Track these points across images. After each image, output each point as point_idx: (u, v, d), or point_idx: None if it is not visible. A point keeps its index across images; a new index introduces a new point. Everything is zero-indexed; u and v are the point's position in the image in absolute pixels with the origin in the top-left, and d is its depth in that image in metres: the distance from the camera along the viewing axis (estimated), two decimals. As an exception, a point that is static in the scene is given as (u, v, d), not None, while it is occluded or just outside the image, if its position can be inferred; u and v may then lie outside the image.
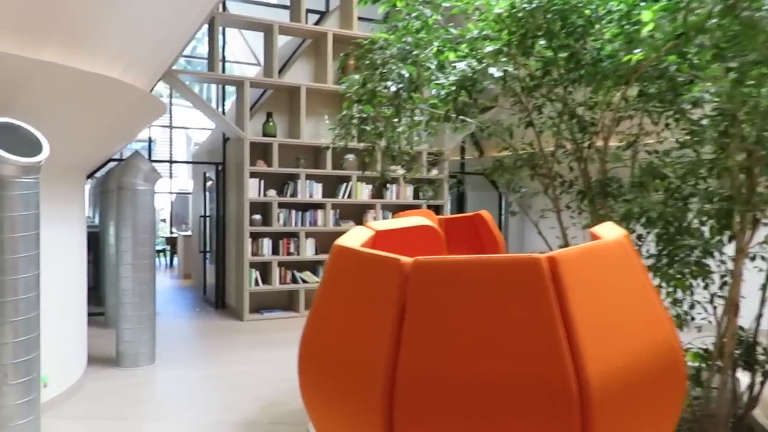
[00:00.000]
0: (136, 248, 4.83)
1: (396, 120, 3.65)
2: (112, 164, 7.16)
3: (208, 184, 8.35)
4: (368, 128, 3.49)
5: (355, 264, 1.59)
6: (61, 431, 3.61)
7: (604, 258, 1.52)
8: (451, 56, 3.13)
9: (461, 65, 2.66)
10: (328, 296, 1.72)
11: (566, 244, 3.51)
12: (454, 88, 2.67)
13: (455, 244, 5.63)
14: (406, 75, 2.74)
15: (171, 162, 9.83)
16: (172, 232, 13.39)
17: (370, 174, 5.58)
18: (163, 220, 14.24)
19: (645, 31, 2.41)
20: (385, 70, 2.80)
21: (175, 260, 12.14)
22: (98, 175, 8.47)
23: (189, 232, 10.69)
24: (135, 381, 4.59)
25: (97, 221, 8.84)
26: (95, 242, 7.31)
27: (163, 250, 12.79)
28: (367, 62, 2.96)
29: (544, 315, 1.33)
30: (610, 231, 1.74)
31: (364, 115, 3.46)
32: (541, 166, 3.57)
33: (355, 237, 1.84)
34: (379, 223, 2.12)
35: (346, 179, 7.42)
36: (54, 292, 3.93)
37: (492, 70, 2.55)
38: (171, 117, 13.06)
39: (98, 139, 4.20)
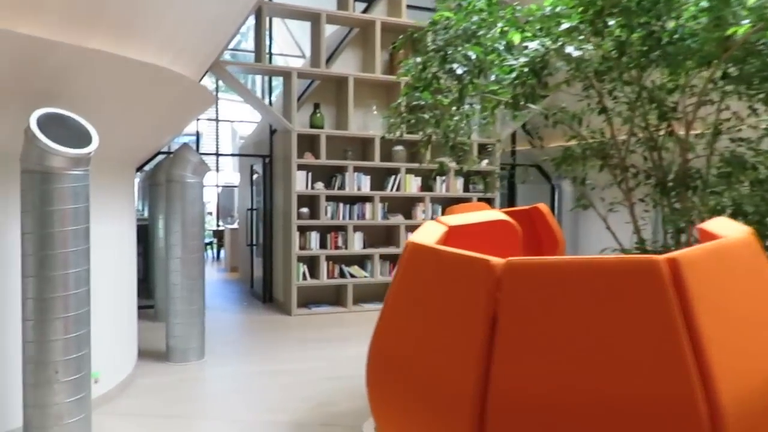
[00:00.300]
0: (186, 242, 4.76)
1: (455, 108, 3.44)
2: (160, 157, 7.15)
3: (255, 177, 8.29)
4: (426, 116, 3.29)
5: (435, 264, 1.41)
6: (113, 428, 3.55)
7: (731, 259, 1.29)
8: (516, 37, 2.90)
9: (533, 44, 2.43)
10: (402, 299, 1.54)
11: (641, 241, 3.25)
12: (526, 69, 2.45)
13: (511, 239, 5.39)
14: (473, 56, 2.52)
15: (217, 155, 9.80)
16: (218, 225, 13.47)
17: (426, 166, 5.36)
18: (210, 213, 14.35)
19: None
20: (449, 51, 2.59)
21: (222, 253, 12.19)
22: (147, 168, 8.51)
23: (236, 225, 10.70)
24: (185, 377, 4.52)
25: (146, 214, 8.89)
26: (144, 235, 7.33)
27: (210, 243, 12.87)
28: (429, 43, 2.76)
29: (665, 326, 1.12)
30: (728, 228, 1.50)
31: (422, 103, 3.26)
32: (612, 156, 3.31)
33: (428, 233, 1.65)
34: (450, 217, 1.93)
35: (395, 171, 7.23)
36: (104, 286, 3.87)
37: (569, 49, 2.32)
38: (217, 110, 13.13)
39: (147, 131, 4.12)
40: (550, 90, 2.85)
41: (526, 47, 2.49)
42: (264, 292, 7.65)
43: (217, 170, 13.72)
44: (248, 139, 9.55)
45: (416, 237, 1.56)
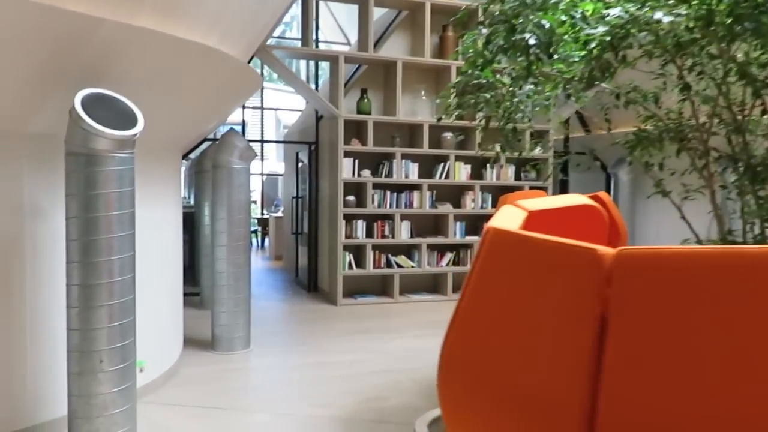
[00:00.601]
0: (231, 229, 4.65)
1: (518, 88, 3.20)
2: (206, 145, 7.09)
3: (300, 164, 8.17)
4: (488, 95, 3.06)
5: (526, 254, 1.20)
6: (158, 419, 3.46)
7: None
8: (590, 6, 2.64)
9: (615, 11, 2.18)
10: (483, 295, 1.34)
11: (729, 232, 2.96)
12: (608, 38, 2.19)
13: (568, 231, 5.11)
14: (546, 25, 2.29)
15: (263, 141, 9.74)
16: (263, 214, 13.49)
17: (479, 153, 5.12)
18: (254, 202, 14.40)
19: None
20: (520, 21, 2.36)
21: (267, 241, 12.17)
22: (193, 156, 8.49)
23: (280, 214, 10.64)
24: (231, 367, 4.42)
25: (192, 202, 8.90)
26: (190, 223, 7.30)
27: (255, 231, 12.89)
28: (497, 13, 2.53)
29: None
30: None
31: (483, 81, 3.03)
32: (691, 139, 3.02)
33: (508, 218, 1.44)
34: (528, 201, 1.72)
35: (444, 159, 7.00)
36: (150, 273, 3.78)
37: (658, 15, 2.06)
38: (262, 98, 13.11)
39: (193, 114, 4.00)
40: (627, 64, 2.58)
41: (605, 16, 2.24)
42: (309, 281, 7.54)
43: (262, 159, 13.77)
44: (293, 126, 9.44)
45: (497, 222, 1.36)
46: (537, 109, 3.52)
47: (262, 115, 11.94)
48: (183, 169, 10.57)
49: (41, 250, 3.07)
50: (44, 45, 2.64)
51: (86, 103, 2.75)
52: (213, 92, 3.86)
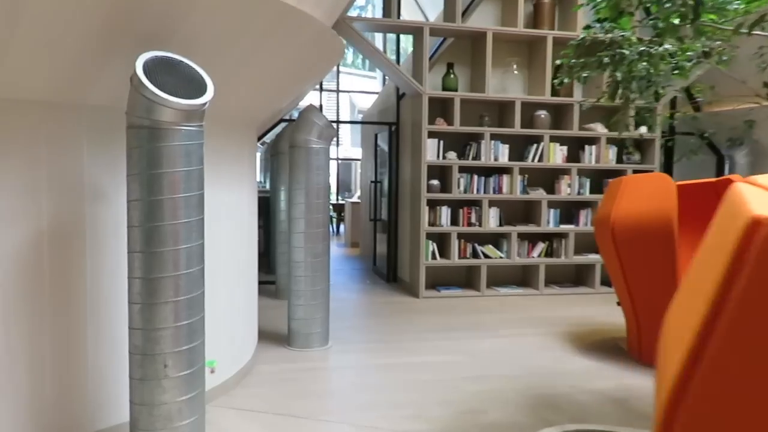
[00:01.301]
0: (309, 215, 4.25)
1: (656, 47, 2.60)
2: (282, 126, 6.75)
3: (379, 147, 7.71)
4: (626, 52, 2.47)
5: None
6: (228, 427, 3.10)
7: None
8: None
9: None
10: (756, 317, 0.81)
11: None
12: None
13: (693, 218, 4.41)
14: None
15: (338, 122, 9.37)
16: (338, 199, 13.22)
17: (616, 135, 4.50)
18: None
19: None
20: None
21: (342, 228, 11.86)
22: (268, 139, 8.20)
23: (357, 199, 10.27)
24: (307, 366, 4.04)
25: (267, 186, 8.64)
26: (266, 207, 7.01)
27: (330, 217, 12.61)
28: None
29: None
30: None
31: (621, 35, 2.45)
32: None
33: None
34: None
35: (537, 139, 6.37)
36: (222, 263, 3.43)
37: None
38: (338, 81, 12.79)
39: (270, 84, 3.59)
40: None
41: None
42: (388, 271, 7.11)
43: (337, 144, 13.50)
44: (372, 107, 9.00)
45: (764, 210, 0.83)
46: (676, 72, 2.90)
47: (338, 98, 11.62)
48: (258, 153, 10.37)
49: (103, 238, 2.74)
50: (103, 2, 2.27)
51: (149, 68, 2.37)
52: (292, 59, 3.44)
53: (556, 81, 3.36)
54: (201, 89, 2.46)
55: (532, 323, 5.21)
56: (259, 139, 7.10)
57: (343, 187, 14.44)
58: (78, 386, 2.71)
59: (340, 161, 13.94)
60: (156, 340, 2.40)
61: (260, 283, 5.21)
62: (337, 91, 12.50)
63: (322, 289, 4.35)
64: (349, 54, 19.95)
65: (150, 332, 2.40)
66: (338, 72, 12.75)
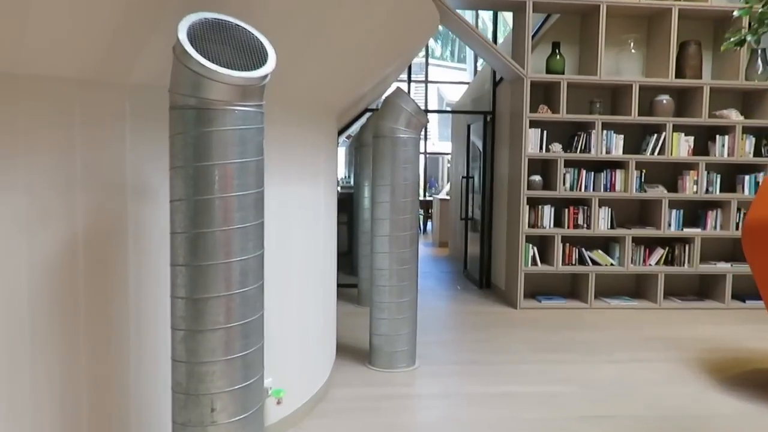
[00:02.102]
0: (395, 216, 3.69)
1: None
2: (367, 117, 6.23)
3: (472, 142, 7.03)
4: None
5: None
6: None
7: None
8: None
9: None
10: None
11: None
12: None
13: None
14: None
15: (427, 111, 8.79)
16: (425, 195, 12.68)
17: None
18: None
19: None
20: None
21: (430, 225, 11.25)
22: (352, 132, 7.72)
23: (446, 195, 9.64)
24: (390, 392, 3.48)
25: (351, 182, 8.17)
26: (349, 205, 6.52)
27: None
28: None
29: None
30: None
31: None
32: None
33: None
34: None
35: (657, 129, 5.50)
36: (295, 274, 2.92)
37: None
38: (427, 71, 12.21)
39: (348, 60, 3.04)
40: None
41: None
42: (481, 276, 6.45)
43: (425, 137, 12.95)
44: (464, 96, 8.33)
45: None
46: None
47: (426, 89, 11.08)
48: (343, 148, 9.94)
49: (149, 244, 2.29)
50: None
51: (196, 33, 1.86)
52: (375, 30, 2.87)
53: (727, 44, 2.61)
54: (260, 60, 1.94)
55: (653, 345, 4.41)
56: (344, 131, 6.63)
57: (431, 183, 13.84)
58: (120, 422, 2.26)
59: (428, 155, 13.38)
60: (201, 376, 1.90)
61: (341, 285, 4.72)
62: (426, 81, 11.93)
63: (409, 301, 3.78)
64: (437, 46, 19.32)
65: (194, 366, 1.91)
66: (427, 63, 12.16)
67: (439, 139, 16.57)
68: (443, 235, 9.34)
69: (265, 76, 1.89)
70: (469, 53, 12.23)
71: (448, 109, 13.69)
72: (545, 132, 5.40)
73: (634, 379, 3.69)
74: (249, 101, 1.89)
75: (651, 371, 3.84)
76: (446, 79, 17.64)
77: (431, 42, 18.97)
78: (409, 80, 7.50)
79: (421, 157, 13.11)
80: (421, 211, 11.95)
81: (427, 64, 12.31)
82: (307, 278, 3.11)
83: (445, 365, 3.94)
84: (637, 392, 3.48)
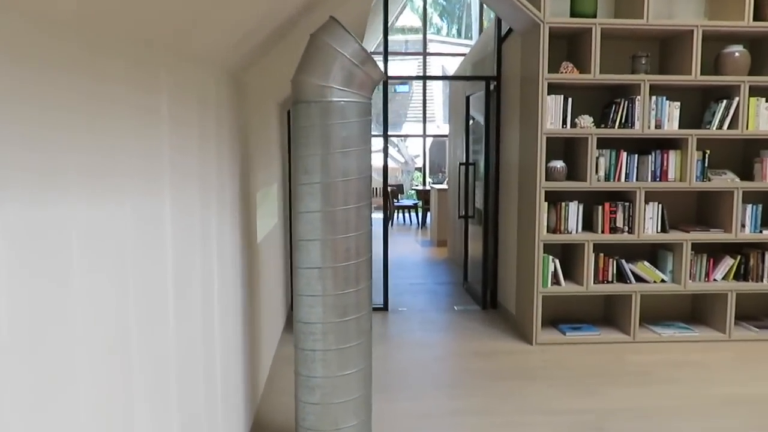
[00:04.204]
0: (330, 235, 2.20)
1: None
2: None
3: (472, 121, 5.47)
4: None
5: None
6: None
7: None
8: None
9: None
10: None
11: None
12: None
13: None
14: None
15: (425, 77, 7.32)
16: (424, 184, 11.23)
17: None
18: (419, 169, 12.29)
19: None
20: None
21: (429, 219, 9.74)
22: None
23: (444, 185, 8.13)
24: None
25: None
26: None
27: (414, 206, 10.57)
28: None
29: None
30: None
31: None
32: None
33: None
34: None
35: (726, 93, 3.97)
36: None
37: None
38: (425, 43, 11.00)
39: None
40: None
41: None
42: (484, 292, 4.96)
43: (425, 121, 11.60)
44: (464, 61, 6.79)
45: None
46: None
47: (424, 60, 9.74)
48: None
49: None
50: None
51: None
52: None
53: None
54: None
55: (752, 410, 2.94)
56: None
57: (435, 169, 12.37)
58: None
59: (432, 138, 11.99)
60: None
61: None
62: (424, 54, 10.61)
63: (357, 373, 2.30)
64: (444, 24, 17.74)
65: None
66: (425, 37, 10.85)
67: (444, 121, 15.15)
68: (442, 233, 7.85)
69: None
70: (475, 22, 11.00)
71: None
72: (570, 100, 3.88)
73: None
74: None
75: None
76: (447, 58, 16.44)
77: (437, 19, 17.45)
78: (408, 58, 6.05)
79: (426, 141, 11.68)
80: (420, 203, 10.51)
81: (424, 38, 11.07)
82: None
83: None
84: None
